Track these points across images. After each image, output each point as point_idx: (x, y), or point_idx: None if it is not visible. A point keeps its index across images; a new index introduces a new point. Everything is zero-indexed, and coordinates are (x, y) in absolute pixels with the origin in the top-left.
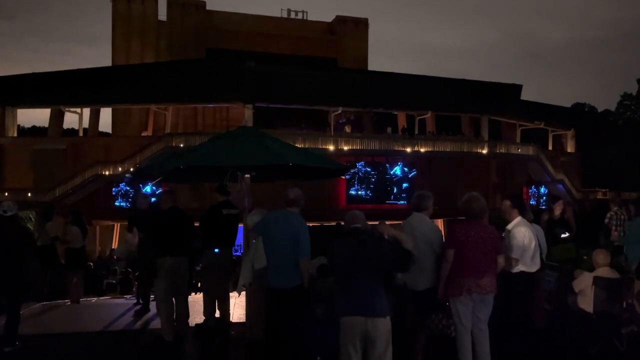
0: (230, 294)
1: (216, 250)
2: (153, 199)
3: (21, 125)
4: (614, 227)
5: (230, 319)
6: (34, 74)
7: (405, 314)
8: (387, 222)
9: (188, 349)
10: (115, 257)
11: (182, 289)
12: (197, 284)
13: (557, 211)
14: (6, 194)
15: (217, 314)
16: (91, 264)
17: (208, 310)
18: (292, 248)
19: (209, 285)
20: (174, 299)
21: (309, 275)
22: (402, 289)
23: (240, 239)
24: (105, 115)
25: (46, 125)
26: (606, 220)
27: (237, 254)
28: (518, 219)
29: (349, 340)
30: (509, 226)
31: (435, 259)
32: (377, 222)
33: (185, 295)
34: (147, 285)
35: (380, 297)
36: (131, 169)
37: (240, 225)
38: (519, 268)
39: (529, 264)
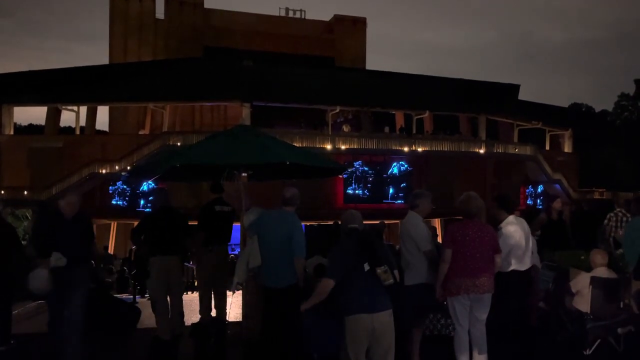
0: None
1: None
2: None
3: (18, 123)
4: (614, 228)
5: (227, 318)
6: (30, 71)
7: (399, 312)
8: (385, 222)
9: (184, 348)
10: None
11: (176, 287)
12: (194, 283)
13: (556, 210)
14: (2, 192)
15: (214, 313)
16: None
17: (204, 308)
18: (287, 247)
19: (205, 283)
20: (168, 298)
21: (303, 275)
22: (395, 286)
23: (237, 237)
24: (102, 114)
25: (43, 123)
26: (605, 222)
27: (235, 252)
28: (508, 217)
29: (356, 339)
30: (501, 225)
31: (419, 257)
32: (375, 222)
33: (180, 294)
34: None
35: (382, 292)
36: (128, 168)
37: (237, 224)
38: (511, 267)
39: (518, 262)
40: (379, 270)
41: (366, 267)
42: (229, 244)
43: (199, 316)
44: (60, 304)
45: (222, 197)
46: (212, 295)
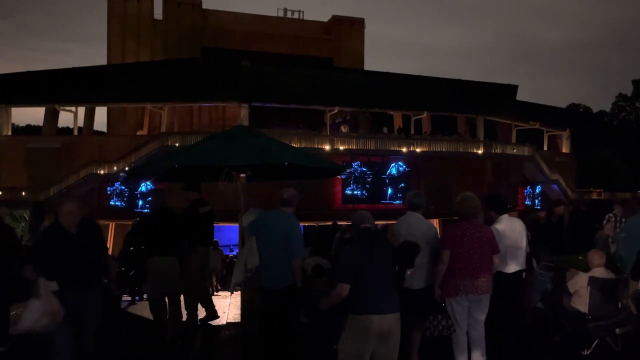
0: (224, 294)
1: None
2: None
3: (16, 123)
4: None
5: (225, 319)
6: (28, 72)
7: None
8: (383, 222)
9: (182, 349)
10: None
11: (173, 289)
12: None
13: (556, 214)
14: (0, 192)
15: (203, 314)
16: None
17: (190, 309)
18: (285, 248)
19: (190, 284)
20: (166, 299)
21: (301, 276)
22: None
23: (235, 238)
24: (101, 114)
25: (41, 124)
26: (604, 222)
27: (233, 253)
28: (500, 217)
29: (362, 340)
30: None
31: (431, 258)
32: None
33: (178, 295)
34: None
35: (393, 294)
36: (126, 168)
37: (235, 225)
38: (496, 268)
39: (511, 263)
40: (409, 272)
41: (395, 268)
42: (226, 244)
43: (198, 317)
44: (66, 338)
45: (202, 198)
46: (199, 296)
